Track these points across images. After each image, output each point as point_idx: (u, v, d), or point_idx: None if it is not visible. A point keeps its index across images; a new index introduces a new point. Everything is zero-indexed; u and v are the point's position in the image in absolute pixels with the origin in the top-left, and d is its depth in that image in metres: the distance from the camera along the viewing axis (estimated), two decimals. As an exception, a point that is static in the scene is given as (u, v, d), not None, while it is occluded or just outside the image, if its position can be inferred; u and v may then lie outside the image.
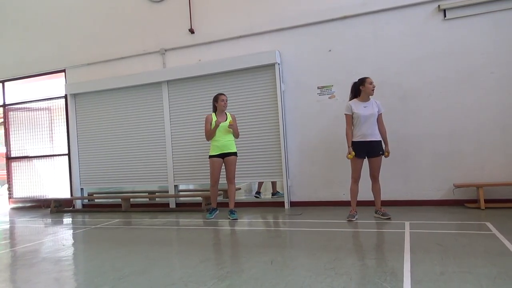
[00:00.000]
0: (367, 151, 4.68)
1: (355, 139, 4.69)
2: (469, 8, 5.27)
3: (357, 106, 4.68)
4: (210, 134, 5.38)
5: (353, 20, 5.85)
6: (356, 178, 4.77)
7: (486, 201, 5.00)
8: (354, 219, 4.68)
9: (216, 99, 5.43)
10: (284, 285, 2.58)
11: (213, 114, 5.43)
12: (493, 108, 5.20)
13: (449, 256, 3.04)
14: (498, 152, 5.19)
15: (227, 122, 5.32)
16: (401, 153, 5.53)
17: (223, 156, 5.35)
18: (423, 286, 2.43)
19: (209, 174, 5.50)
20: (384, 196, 5.05)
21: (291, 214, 5.48)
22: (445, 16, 5.40)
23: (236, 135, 5.47)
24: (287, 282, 2.64)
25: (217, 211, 5.60)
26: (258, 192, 6.91)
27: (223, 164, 5.41)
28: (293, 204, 6.11)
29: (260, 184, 6.96)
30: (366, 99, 4.71)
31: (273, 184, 6.88)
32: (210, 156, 5.38)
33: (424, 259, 2.98)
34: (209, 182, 5.51)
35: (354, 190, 4.81)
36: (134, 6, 7.32)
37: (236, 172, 5.77)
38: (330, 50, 5.97)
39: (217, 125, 5.26)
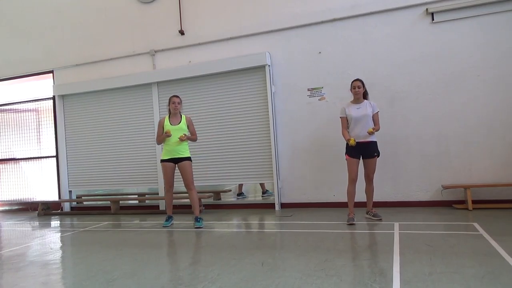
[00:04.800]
0: (362, 152, 4.69)
1: None
2: (456, 12, 5.36)
3: (350, 108, 4.75)
4: (159, 140, 5.25)
5: (342, 22, 5.89)
6: (353, 179, 4.71)
7: (473, 202, 5.08)
8: (354, 222, 4.56)
9: (168, 101, 5.23)
10: (274, 287, 2.58)
11: (166, 118, 5.23)
12: (480, 110, 5.28)
13: (437, 256, 3.07)
14: (485, 154, 5.27)
15: (176, 137, 5.04)
16: (389, 155, 5.58)
17: (175, 161, 5.14)
18: (412, 286, 2.46)
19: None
20: (373, 197, 5.08)
21: (282, 216, 5.49)
22: (433, 19, 5.47)
23: (192, 140, 5.29)
24: (278, 283, 2.64)
25: (172, 221, 5.32)
26: (240, 194, 6.91)
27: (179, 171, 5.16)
28: (283, 205, 6.12)
29: (240, 186, 6.96)
30: (358, 101, 4.75)
31: (262, 183, 6.89)
32: (161, 161, 5.19)
33: (413, 259, 3.02)
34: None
35: (351, 192, 4.74)
36: (124, 7, 7.27)
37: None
38: (320, 52, 6.01)
39: (166, 136, 5.04)
